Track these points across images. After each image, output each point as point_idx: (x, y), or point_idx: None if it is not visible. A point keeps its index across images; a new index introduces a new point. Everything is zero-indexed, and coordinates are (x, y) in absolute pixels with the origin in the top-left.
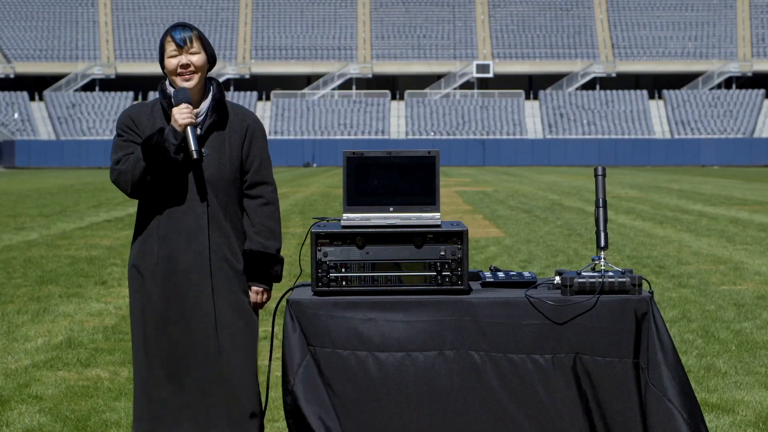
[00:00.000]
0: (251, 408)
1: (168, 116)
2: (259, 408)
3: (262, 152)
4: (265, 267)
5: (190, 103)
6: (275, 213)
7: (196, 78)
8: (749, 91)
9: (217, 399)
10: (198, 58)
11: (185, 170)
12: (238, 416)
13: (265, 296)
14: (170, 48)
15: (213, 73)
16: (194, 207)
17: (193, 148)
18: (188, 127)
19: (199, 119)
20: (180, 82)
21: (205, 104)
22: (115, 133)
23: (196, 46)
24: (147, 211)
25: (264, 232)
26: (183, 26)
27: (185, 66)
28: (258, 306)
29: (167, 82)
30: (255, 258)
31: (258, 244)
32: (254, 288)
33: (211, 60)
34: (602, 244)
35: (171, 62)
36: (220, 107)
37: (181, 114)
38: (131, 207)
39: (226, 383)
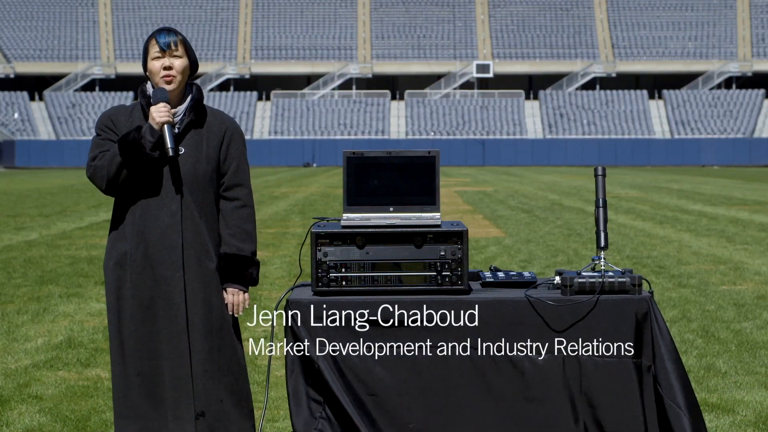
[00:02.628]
0: (225, 405)
1: (147, 116)
2: (238, 403)
3: (240, 155)
4: (240, 270)
5: (169, 103)
6: (251, 216)
7: (176, 81)
8: (749, 91)
9: (185, 395)
10: (180, 63)
11: (161, 167)
12: (209, 411)
13: (241, 296)
14: (154, 50)
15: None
16: (169, 203)
17: (169, 146)
18: (165, 126)
19: (177, 118)
20: (162, 84)
21: (184, 105)
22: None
23: (179, 50)
24: (123, 208)
25: (239, 235)
26: (168, 31)
27: (168, 68)
28: (236, 307)
29: (148, 84)
30: (230, 261)
31: (233, 247)
32: (230, 289)
33: (193, 66)
34: (602, 244)
35: (154, 64)
36: (198, 107)
37: (159, 112)
38: None
39: (195, 380)
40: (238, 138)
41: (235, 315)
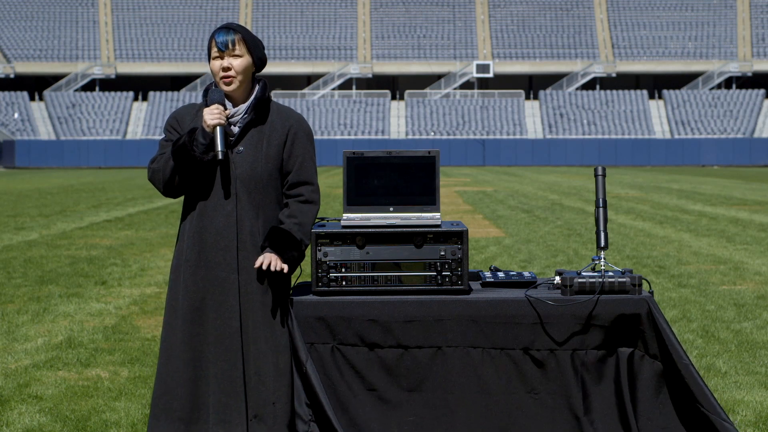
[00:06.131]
0: (277, 407)
1: None
2: (286, 406)
3: (304, 153)
4: (284, 245)
5: (223, 104)
6: (312, 211)
7: (237, 81)
8: (749, 91)
9: (236, 399)
10: (240, 62)
11: (216, 168)
12: (262, 414)
13: (275, 260)
14: (213, 50)
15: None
16: (224, 205)
17: (219, 149)
18: (218, 128)
19: (238, 117)
20: (222, 84)
21: (246, 104)
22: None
23: (239, 49)
24: (186, 209)
25: (295, 224)
26: (227, 29)
27: (226, 69)
28: (263, 264)
29: (214, 83)
30: (278, 234)
31: (287, 226)
32: (266, 253)
33: (258, 62)
34: (602, 244)
35: (214, 65)
36: (260, 106)
37: (211, 114)
38: (131, 207)
39: (247, 383)
40: (302, 135)
41: (263, 267)
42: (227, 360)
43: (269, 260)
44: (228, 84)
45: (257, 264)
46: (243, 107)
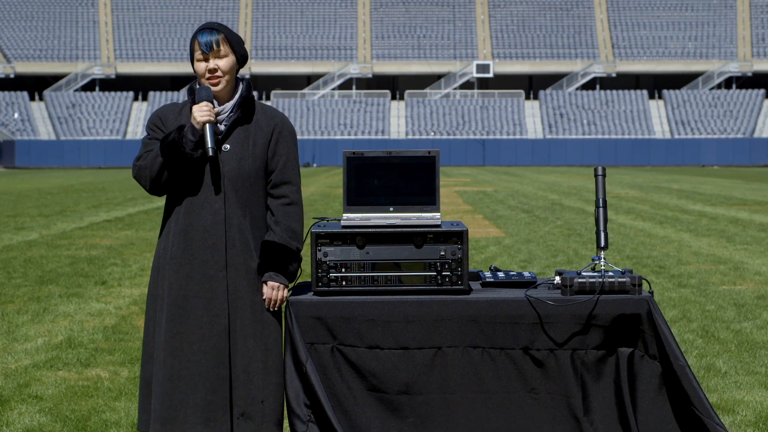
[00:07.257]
0: (265, 405)
1: None
2: (274, 404)
3: (288, 152)
4: (284, 261)
5: (212, 102)
6: (298, 213)
7: (224, 81)
8: (749, 91)
9: (221, 397)
10: (225, 62)
11: (204, 166)
12: (249, 412)
13: (282, 293)
14: (197, 52)
15: None
16: (212, 203)
17: (209, 146)
18: (207, 125)
19: (224, 116)
20: (208, 85)
21: (231, 102)
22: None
23: (223, 48)
24: (170, 207)
25: (287, 232)
26: (210, 29)
27: (212, 71)
28: (274, 303)
29: (197, 82)
30: (275, 249)
31: (281, 238)
32: (271, 283)
33: (241, 60)
34: (602, 244)
35: (199, 66)
36: (246, 104)
37: (201, 111)
38: (131, 207)
39: (235, 381)
40: (287, 135)
41: (271, 309)
42: (214, 358)
43: (275, 299)
44: (215, 85)
45: (267, 305)
46: (228, 105)
